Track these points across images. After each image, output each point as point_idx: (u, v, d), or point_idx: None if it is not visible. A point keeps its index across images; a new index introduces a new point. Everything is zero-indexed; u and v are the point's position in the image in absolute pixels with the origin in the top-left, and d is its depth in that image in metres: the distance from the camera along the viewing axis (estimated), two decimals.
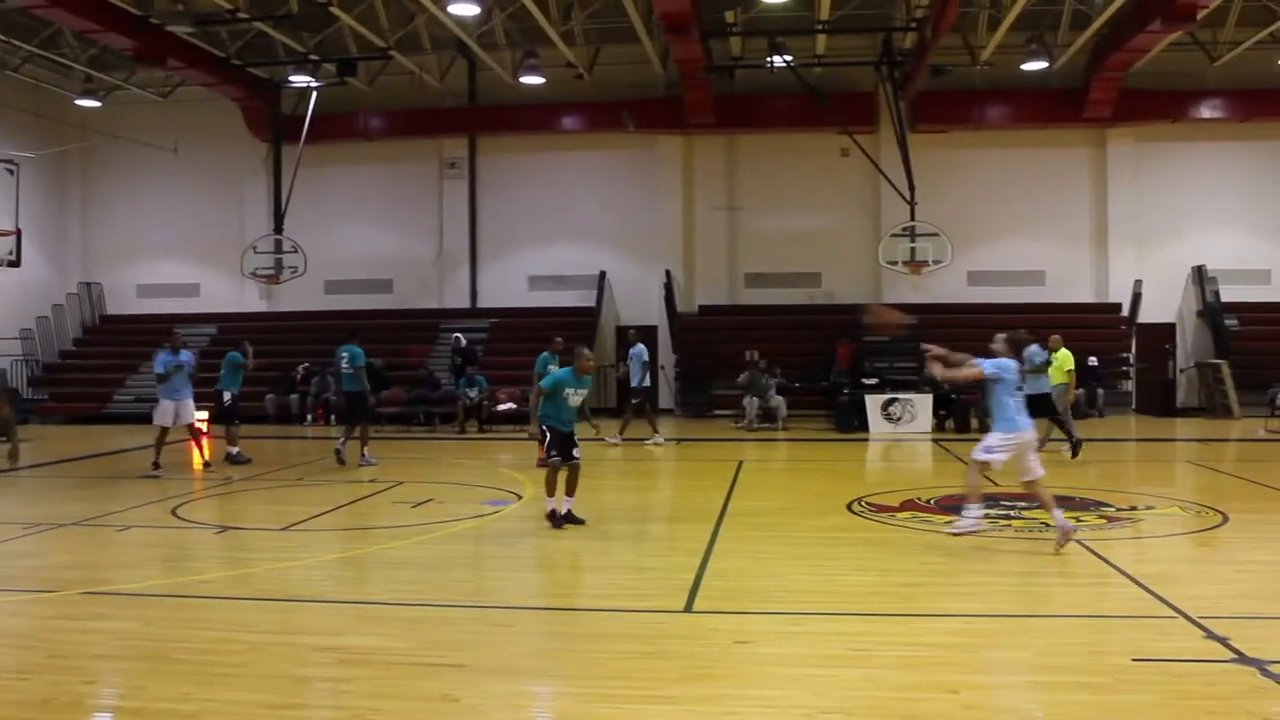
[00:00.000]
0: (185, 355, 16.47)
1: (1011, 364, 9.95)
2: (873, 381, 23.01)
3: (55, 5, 21.27)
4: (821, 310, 27.33)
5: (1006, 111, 27.48)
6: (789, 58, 24.79)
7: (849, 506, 12.34)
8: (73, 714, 6.10)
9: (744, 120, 28.08)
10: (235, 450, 17.23)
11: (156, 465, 15.82)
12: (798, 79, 25.48)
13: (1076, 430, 17.24)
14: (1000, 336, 10.24)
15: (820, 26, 23.99)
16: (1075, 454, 16.65)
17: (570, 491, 11.44)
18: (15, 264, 17.11)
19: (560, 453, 11.37)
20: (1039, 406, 16.68)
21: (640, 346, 20.38)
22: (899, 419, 21.96)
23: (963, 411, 22.04)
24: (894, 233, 26.04)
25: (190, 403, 16.41)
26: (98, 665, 6.94)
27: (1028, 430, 9.91)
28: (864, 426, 22.02)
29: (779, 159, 28.38)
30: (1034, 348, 16.84)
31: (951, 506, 12.15)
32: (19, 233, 16.78)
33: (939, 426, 22.20)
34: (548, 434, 11.29)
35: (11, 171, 16.73)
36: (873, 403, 22.18)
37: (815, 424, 21.93)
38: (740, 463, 16.87)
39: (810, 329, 26.74)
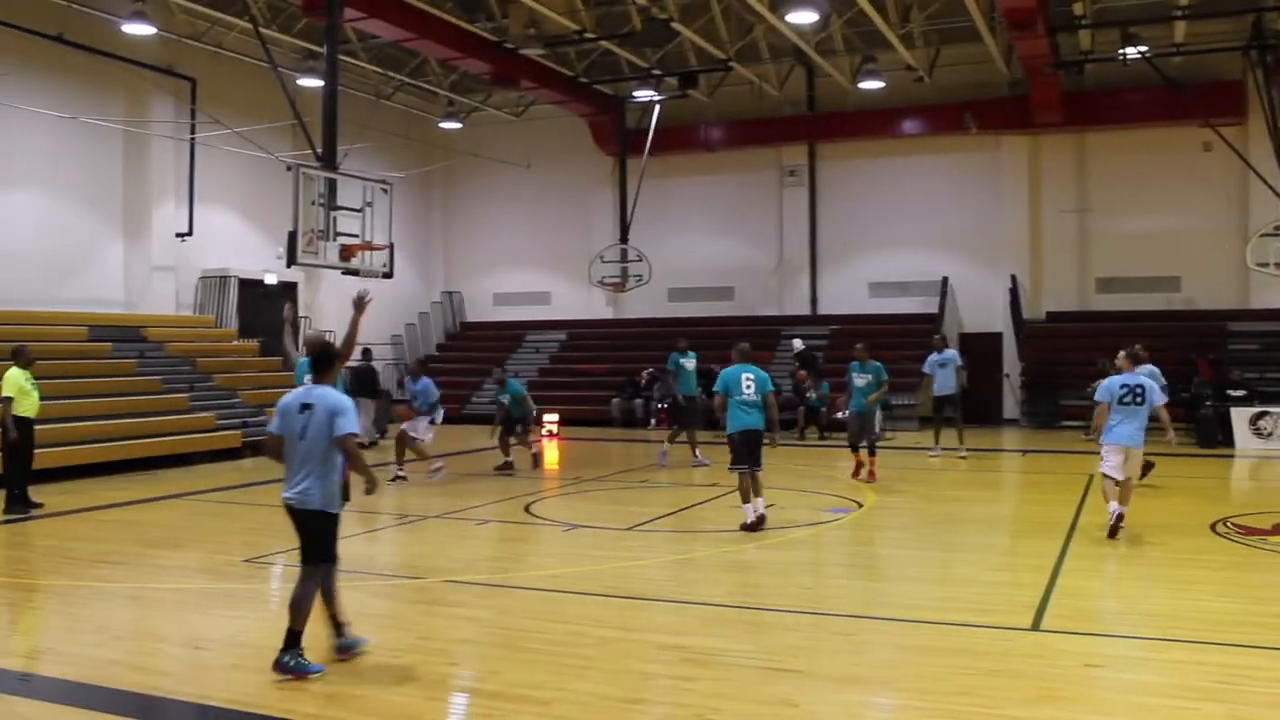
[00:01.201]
0: (424, 382, 16.73)
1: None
2: (1240, 393, 21.31)
3: (423, 37, 23.01)
4: (1181, 316, 25.62)
5: None
6: (1144, 48, 23.37)
7: (1212, 527, 11.57)
8: (438, 691, 6.61)
9: (1094, 117, 26.66)
10: (535, 450, 18.35)
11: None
12: (1154, 70, 23.98)
13: None
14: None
15: (1179, 13, 22.49)
16: None
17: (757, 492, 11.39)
18: (389, 275, 18.52)
19: (746, 460, 11.31)
20: None
21: (951, 351, 19.39)
22: (1270, 434, 20.27)
23: None
24: (1265, 232, 24.03)
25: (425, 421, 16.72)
26: (459, 649, 7.46)
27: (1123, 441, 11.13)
28: (1229, 442, 20.42)
29: (1133, 156, 26.73)
30: (1152, 368, 15.35)
31: None
32: (392, 246, 18.17)
33: None
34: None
35: (386, 191, 18.13)
36: (1239, 416, 20.58)
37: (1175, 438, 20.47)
38: (1090, 476, 16.04)
39: (1168, 336, 25.04)
